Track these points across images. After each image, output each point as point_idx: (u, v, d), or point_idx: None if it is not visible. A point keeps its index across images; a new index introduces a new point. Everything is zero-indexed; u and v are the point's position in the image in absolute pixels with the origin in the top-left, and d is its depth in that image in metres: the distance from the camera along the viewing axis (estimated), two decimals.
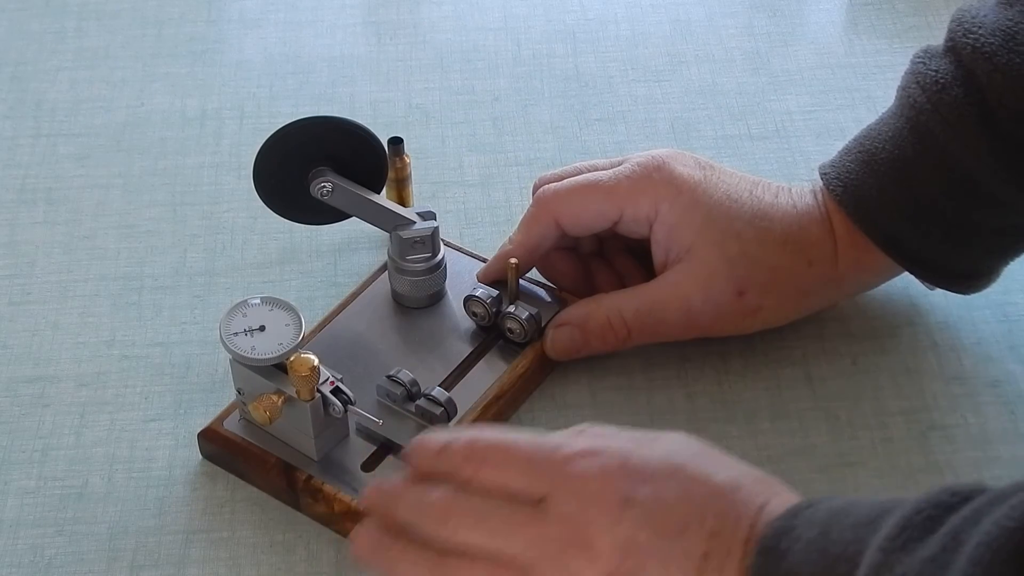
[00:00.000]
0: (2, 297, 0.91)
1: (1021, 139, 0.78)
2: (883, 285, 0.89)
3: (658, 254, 0.83)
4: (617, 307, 0.83)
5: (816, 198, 0.83)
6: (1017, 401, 0.84)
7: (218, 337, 0.77)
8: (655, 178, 0.82)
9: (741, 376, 0.85)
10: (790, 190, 0.84)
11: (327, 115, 0.83)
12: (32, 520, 0.79)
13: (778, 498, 0.66)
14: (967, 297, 0.89)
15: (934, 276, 0.84)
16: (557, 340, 0.84)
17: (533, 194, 0.86)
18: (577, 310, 0.84)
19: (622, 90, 1.05)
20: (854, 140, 0.84)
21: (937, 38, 0.84)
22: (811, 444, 0.82)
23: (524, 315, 0.83)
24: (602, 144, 1.00)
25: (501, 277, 0.84)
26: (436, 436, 0.71)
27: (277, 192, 0.85)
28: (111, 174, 0.99)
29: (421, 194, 0.95)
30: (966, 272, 0.84)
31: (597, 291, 0.86)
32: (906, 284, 0.90)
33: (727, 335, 0.85)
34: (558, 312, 0.85)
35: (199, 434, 0.81)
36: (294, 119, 0.83)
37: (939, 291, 0.89)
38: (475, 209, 0.96)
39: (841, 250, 0.83)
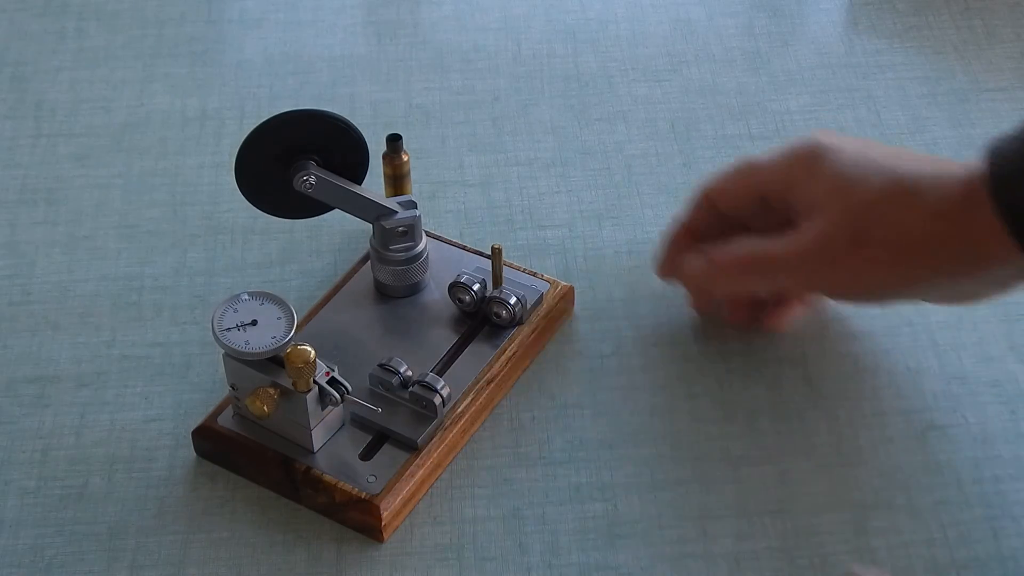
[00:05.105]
0: (2, 297, 0.91)
1: None
2: None
3: (798, 224, 0.82)
4: (741, 242, 0.83)
5: (969, 170, 0.77)
6: (1017, 401, 0.84)
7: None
8: (799, 148, 0.83)
9: (741, 376, 0.85)
10: (948, 161, 0.80)
11: (304, 108, 0.83)
12: (32, 520, 0.79)
13: None
14: None
15: None
16: (690, 266, 0.85)
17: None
18: (709, 247, 0.85)
19: (622, 90, 1.05)
20: None
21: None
22: (811, 444, 0.82)
23: (511, 299, 0.84)
24: (602, 144, 1.00)
25: (673, 272, 0.88)
26: None
27: (261, 188, 0.85)
28: (111, 174, 0.99)
29: (421, 194, 0.95)
30: None
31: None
32: None
33: (845, 293, 0.83)
34: (542, 295, 0.86)
35: (193, 432, 0.81)
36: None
37: None
38: (475, 209, 0.96)
39: (978, 223, 0.76)
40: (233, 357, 0.78)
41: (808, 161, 0.82)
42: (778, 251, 0.81)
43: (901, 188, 0.78)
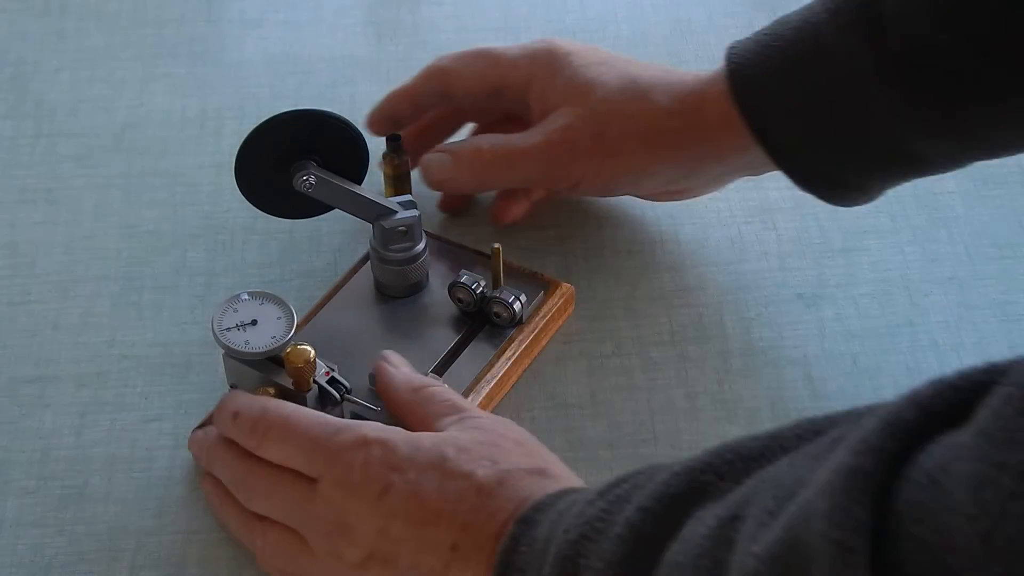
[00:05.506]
0: (2, 297, 0.91)
1: (908, 61, 0.75)
2: (883, 285, 0.89)
3: (533, 122, 0.88)
4: (484, 138, 0.89)
5: (699, 76, 0.85)
6: None
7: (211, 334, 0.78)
8: (538, 48, 0.89)
9: (741, 376, 0.85)
10: (676, 69, 0.87)
11: (304, 108, 0.83)
12: (32, 520, 0.79)
13: (545, 493, 0.68)
14: (967, 297, 0.89)
15: (801, 175, 0.82)
16: (431, 161, 0.89)
17: None
18: (451, 143, 0.91)
19: None
20: (775, 20, 0.83)
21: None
22: None
23: (510, 299, 0.84)
24: None
25: (391, 117, 0.92)
26: (233, 400, 0.75)
27: (261, 188, 0.85)
28: (111, 174, 0.99)
29: (421, 194, 0.95)
30: (834, 180, 0.82)
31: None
32: (906, 283, 0.90)
33: (586, 186, 0.88)
34: (542, 295, 0.86)
35: (193, 432, 0.81)
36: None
37: (939, 291, 0.89)
38: (475, 209, 0.96)
39: (712, 116, 0.83)
40: (233, 357, 0.78)
41: (547, 62, 0.88)
42: (523, 145, 0.87)
43: (637, 88, 0.85)
